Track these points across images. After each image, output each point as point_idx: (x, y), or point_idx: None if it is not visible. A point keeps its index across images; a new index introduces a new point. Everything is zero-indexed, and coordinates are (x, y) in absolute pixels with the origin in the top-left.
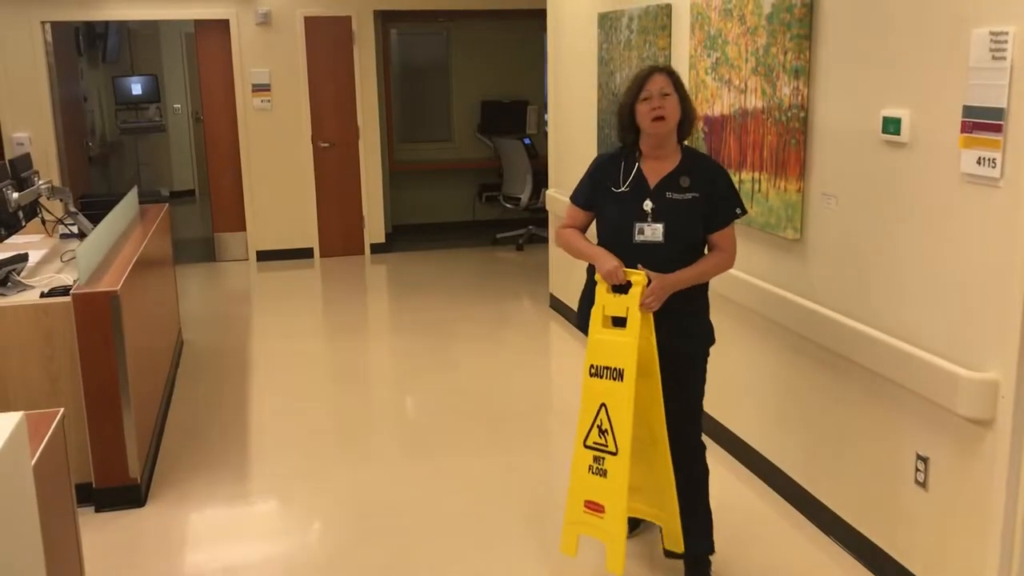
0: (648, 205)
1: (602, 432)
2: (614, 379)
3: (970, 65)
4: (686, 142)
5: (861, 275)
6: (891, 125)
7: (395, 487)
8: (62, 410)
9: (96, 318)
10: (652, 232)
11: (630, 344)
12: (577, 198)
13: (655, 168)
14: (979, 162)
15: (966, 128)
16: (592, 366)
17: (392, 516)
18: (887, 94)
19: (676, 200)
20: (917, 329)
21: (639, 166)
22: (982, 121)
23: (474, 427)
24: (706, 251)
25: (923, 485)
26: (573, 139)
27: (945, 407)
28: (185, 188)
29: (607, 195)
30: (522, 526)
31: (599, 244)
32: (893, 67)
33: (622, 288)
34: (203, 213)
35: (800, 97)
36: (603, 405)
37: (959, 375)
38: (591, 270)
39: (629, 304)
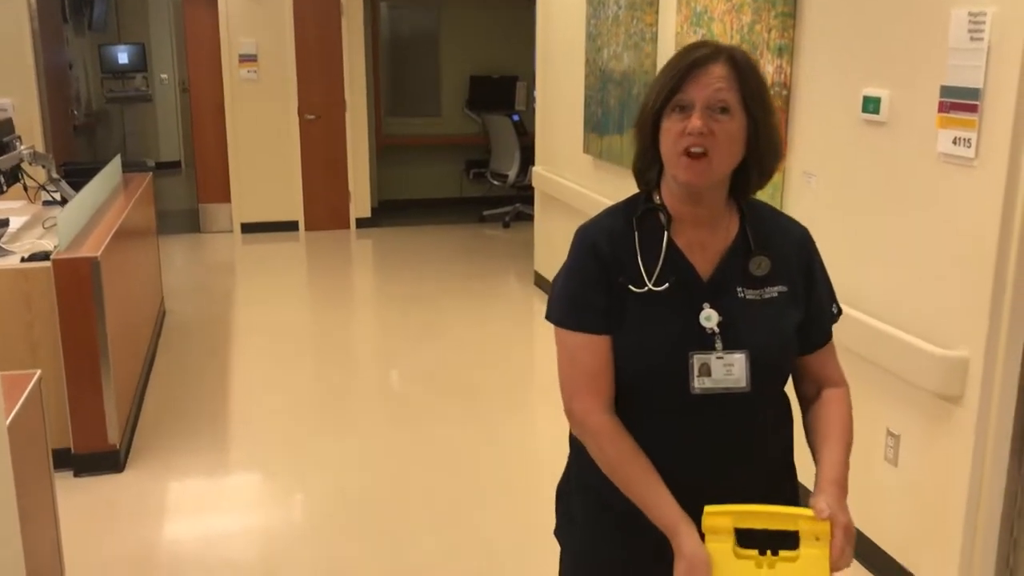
0: (709, 317)
1: None
2: None
3: (949, 45)
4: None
5: (837, 253)
6: (871, 104)
7: (376, 458)
8: (39, 372)
9: (76, 284)
10: (727, 371)
11: None
12: (582, 316)
13: (697, 241)
14: (955, 142)
15: (943, 108)
16: None
17: (373, 487)
18: (868, 73)
19: (754, 302)
20: (890, 307)
21: (670, 239)
22: (959, 101)
23: (457, 400)
24: (793, 384)
25: (893, 462)
26: (561, 116)
27: (916, 384)
28: (171, 159)
29: (622, 301)
30: (503, 496)
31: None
32: (874, 46)
33: (760, 537)
34: (189, 184)
35: (783, 75)
36: None
37: (930, 352)
38: (580, 461)
39: None
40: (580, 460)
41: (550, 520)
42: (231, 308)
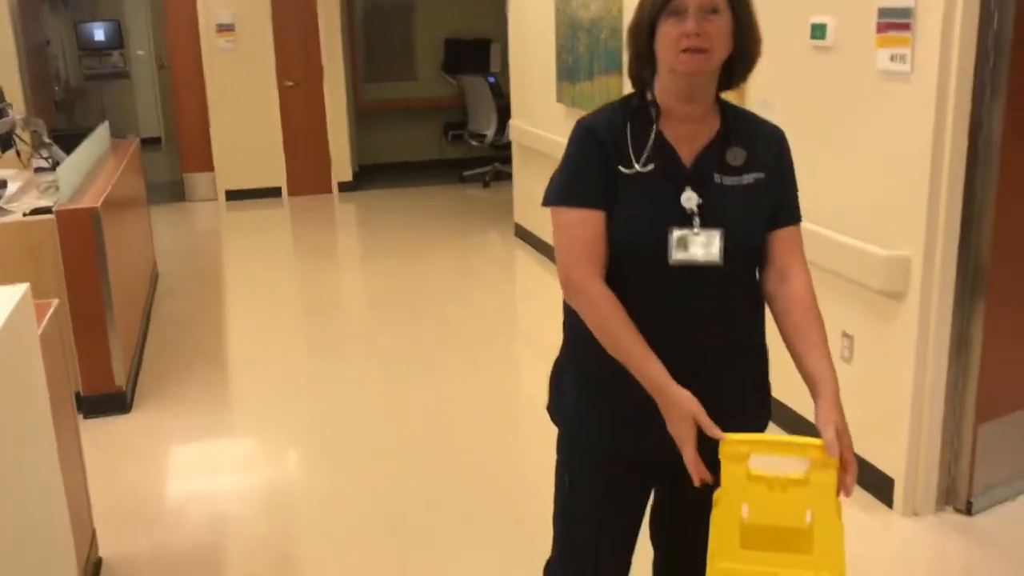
0: (690, 198)
1: None
2: None
3: None
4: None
5: (796, 172)
6: (818, 31)
7: (366, 396)
8: (56, 300)
9: (79, 233)
10: (703, 245)
11: None
12: (579, 192)
13: (685, 134)
14: (892, 59)
15: (881, 28)
16: None
17: (364, 419)
18: (814, 2)
19: (731, 188)
20: (841, 216)
21: (658, 130)
22: (894, 21)
23: (444, 350)
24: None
25: (848, 360)
26: (534, 68)
27: (865, 285)
28: (151, 135)
29: (615, 182)
30: (492, 436)
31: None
32: None
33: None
34: (171, 159)
35: None
36: None
37: (876, 254)
38: (574, 340)
39: (814, 505)
40: (573, 340)
41: (539, 447)
42: (221, 269)
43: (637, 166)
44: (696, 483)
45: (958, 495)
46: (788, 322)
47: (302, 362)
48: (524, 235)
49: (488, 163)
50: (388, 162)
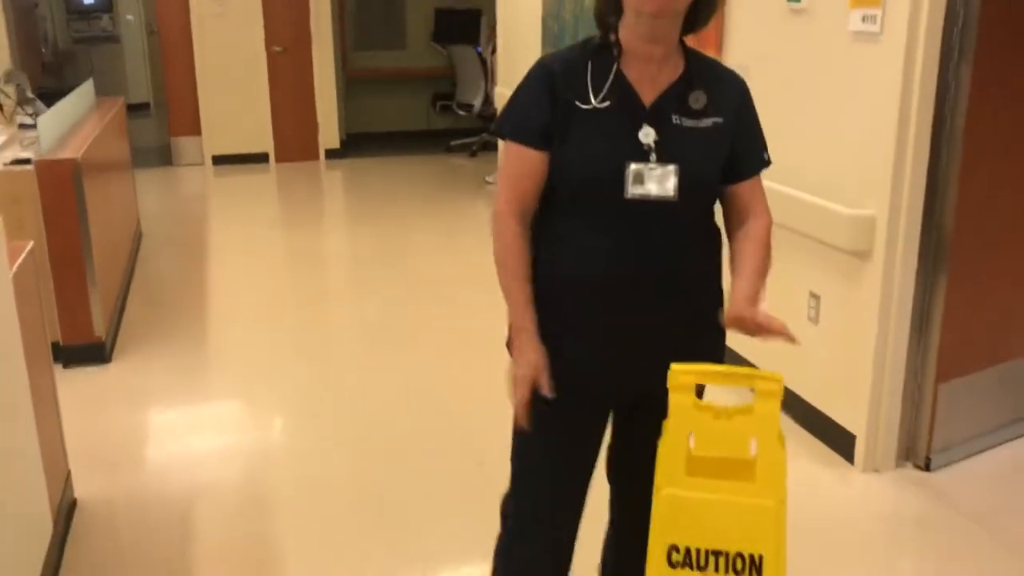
0: (647, 135)
1: None
2: (737, 574)
3: None
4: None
5: (770, 135)
6: None
7: (347, 359)
8: (31, 242)
9: (59, 184)
10: (658, 180)
11: (772, 512)
12: (518, 127)
13: (647, 75)
14: (864, 20)
15: None
16: (674, 549)
17: (346, 373)
18: None
19: (689, 129)
20: (809, 177)
21: (619, 69)
22: None
23: (427, 314)
24: (722, 218)
25: (815, 320)
26: (520, 36)
27: (831, 244)
28: (141, 100)
29: (569, 116)
30: (473, 399)
31: (551, 202)
32: None
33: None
34: (159, 125)
35: None
36: None
37: (843, 214)
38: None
39: (758, 433)
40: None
41: None
42: (206, 232)
43: (594, 101)
44: (514, 424)
45: (917, 452)
46: (738, 256)
47: (284, 323)
48: None
49: (475, 133)
50: (376, 131)
